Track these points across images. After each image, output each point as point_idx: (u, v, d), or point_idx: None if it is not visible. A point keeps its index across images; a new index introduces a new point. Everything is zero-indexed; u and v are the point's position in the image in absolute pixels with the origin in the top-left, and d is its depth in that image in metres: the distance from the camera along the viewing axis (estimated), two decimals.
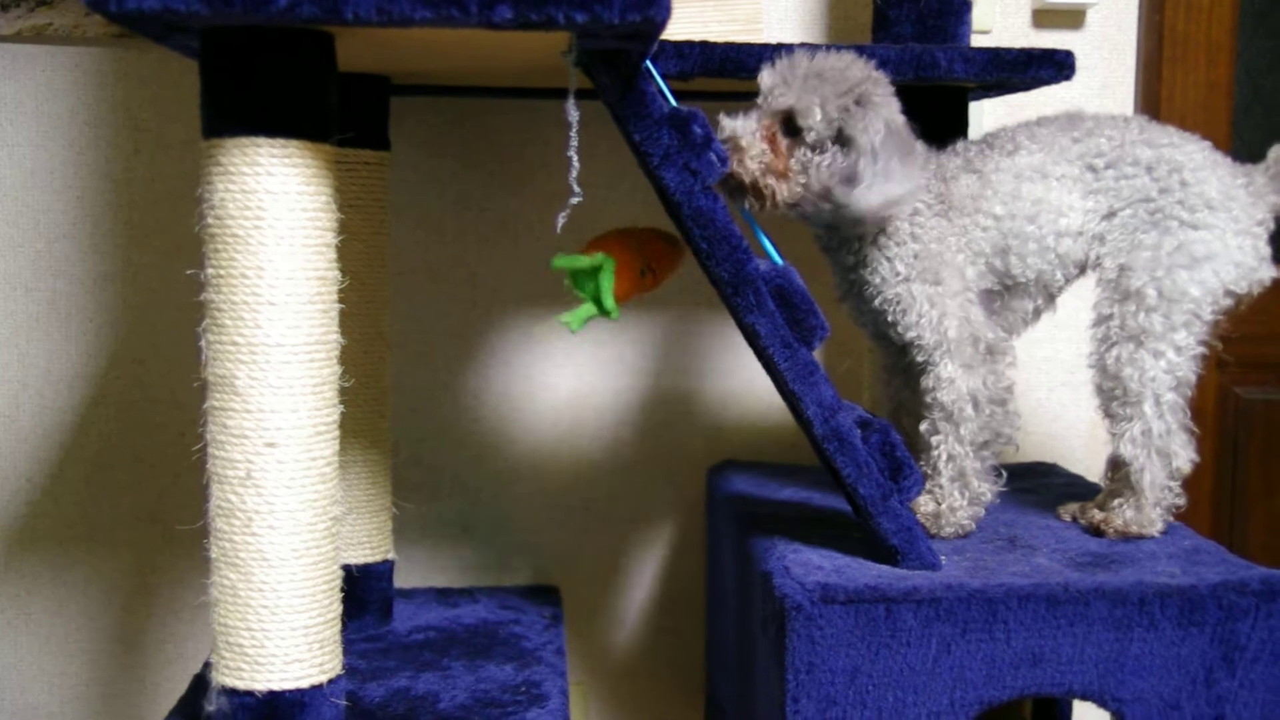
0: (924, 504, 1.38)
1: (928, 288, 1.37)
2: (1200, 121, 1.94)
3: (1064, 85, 1.86)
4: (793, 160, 1.31)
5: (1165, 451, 1.38)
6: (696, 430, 1.91)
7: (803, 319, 1.23)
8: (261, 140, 1.09)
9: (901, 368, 1.47)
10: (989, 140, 1.44)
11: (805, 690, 1.17)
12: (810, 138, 1.30)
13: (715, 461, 1.89)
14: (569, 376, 1.89)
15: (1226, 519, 2.06)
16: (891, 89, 1.35)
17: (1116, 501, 1.42)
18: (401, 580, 1.84)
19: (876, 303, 1.39)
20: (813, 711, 1.17)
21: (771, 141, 1.31)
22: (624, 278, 1.33)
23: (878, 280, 1.38)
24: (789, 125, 1.31)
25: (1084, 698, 1.22)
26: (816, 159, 1.30)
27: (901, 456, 1.25)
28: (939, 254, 1.37)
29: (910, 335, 1.38)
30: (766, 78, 1.32)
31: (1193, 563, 1.28)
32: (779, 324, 1.22)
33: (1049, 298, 1.45)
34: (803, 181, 1.30)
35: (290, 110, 1.10)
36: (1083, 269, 1.43)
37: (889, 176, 1.29)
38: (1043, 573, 1.24)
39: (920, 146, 1.39)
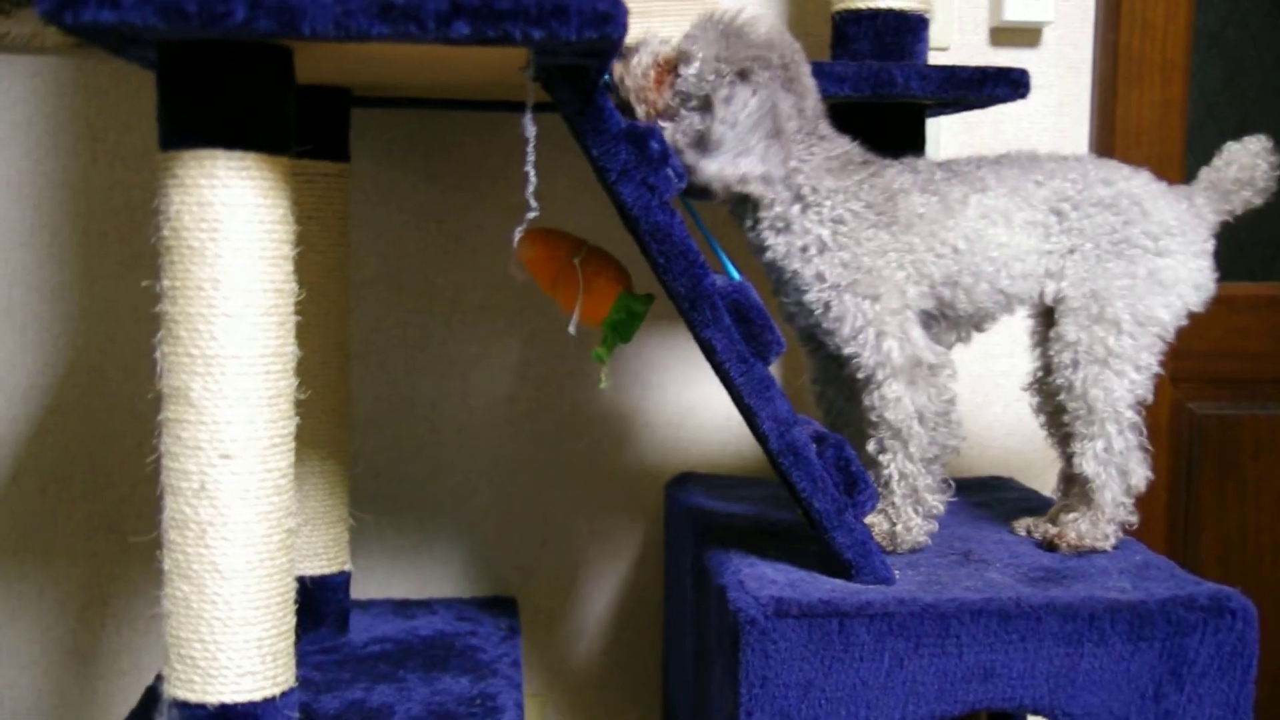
0: (879, 523, 1.39)
1: (864, 303, 1.35)
2: (1155, 139, 1.96)
3: (1021, 103, 1.88)
4: (662, 99, 1.33)
5: (1124, 469, 1.40)
6: (655, 443, 1.92)
7: (759, 334, 1.23)
8: (218, 153, 1.08)
9: (835, 378, 1.47)
10: (954, 169, 1.43)
11: (758, 704, 1.18)
12: (680, 87, 1.32)
13: (674, 474, 1.90)
14: (528, 388, 1.89)
15: (1181, 533, 2.08)
16: (801, 71, 1.36)
17: (1071, 516, 1.43)
18: (359, 592, 1.84)
19: (805, 300, 1.37)
20: None
21: (659, 72, 1.33)
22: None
23: (799, 282, 1.37)
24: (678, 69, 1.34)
25: (1035, 712, 1.23)
26: (682, 112, 1.33)
27: (856, 471, 1.26)
28: (878, 269, 1.36)
29: (848, 351, 1.37)
30: (695, 20, 1.36)
31: (1143, 578, 1.30)
32: (735, 339, 1.23)
33: (975, 330, 1.47)
34: (664, 126, 1.32)
35: (247, 123, 1.09)
36: (1017, 307, 1.45)
37: (745, 152, 1.30)
38: (995, 587, 1.25)
39: (856, 151, 1.40)
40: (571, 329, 1.38)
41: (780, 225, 1.36)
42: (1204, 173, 1.48)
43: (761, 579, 1.26)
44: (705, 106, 1.32)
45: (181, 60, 1.07)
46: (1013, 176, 1.42)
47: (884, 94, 1.47)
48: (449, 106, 1.73)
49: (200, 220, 1.09)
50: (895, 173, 1.41)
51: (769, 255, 1.38)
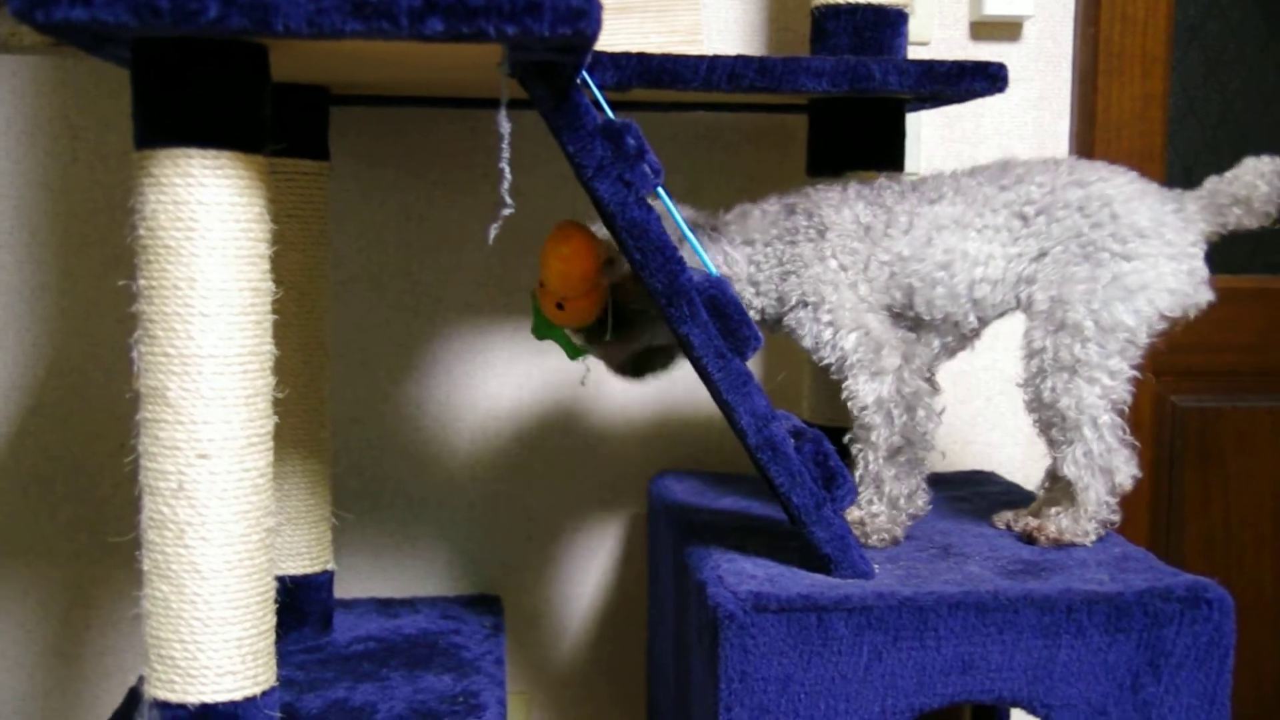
0: (850, 511, 1.39)
1: (811, 309, 1.42)
2: (1136, 133, 1.97)
3: (1002, 97, 1.89)
4: None
5: (1107, 469, 1.39)
6: (638, 439, 1.92)
7: (736, 329, 1.23)
8: (194, 151, 1.08)
9: None
10: (916, 185, 1.47)
11: (738, 699, 1.18)
12: None
13: (656, 471, 1.90)
14: (511, 386, 1.89)
15: (1164, 526, 2.09)
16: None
17: (1053, 510, 1.43)
18: (343, 591, 1.84)
19: (786, 325, 1.46)
20: None
21: None
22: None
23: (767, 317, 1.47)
24: None
25: (1014, 704, 1.23)
26: None
27: (834, 466, 1.26)
28: (816, 275, 1.42)
29: (816, 357, 1.43)
30: None
31: (1121, 570, 1.30)
32: (712, 334, 1.23)
33: (961, 337, 1.47)
34: None
35: (222, 121, 1.09)
36: (1004, 313, 1.45)
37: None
38: (974, 580, 1.26)
39: (778, 203, 1.48)
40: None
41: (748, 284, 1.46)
42: (1209, 181, 1.43)
43: (741, 574, 1.26)
44: None
45: (155, 58, 1.07)
46: (973, 185, 1.43)
47: (862, 88, 1.47)
48: (430, 104, 1.73)
49: (176, 219, 1.09)
50: (833, 195, 1.46)
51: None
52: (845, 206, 1.44)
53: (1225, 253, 2.08)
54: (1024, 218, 1.41)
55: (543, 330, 1.48)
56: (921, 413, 1.39)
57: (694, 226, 1.44)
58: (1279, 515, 2.11)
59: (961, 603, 1.21)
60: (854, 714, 1.20)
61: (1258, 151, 2.07)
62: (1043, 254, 1.40)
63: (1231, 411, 2.09)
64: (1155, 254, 1.37)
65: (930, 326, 1.45)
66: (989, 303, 1.43)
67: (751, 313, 1.46)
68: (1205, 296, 1.41)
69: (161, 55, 1.07)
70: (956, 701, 1.22)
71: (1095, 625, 1.22)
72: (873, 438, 1.38)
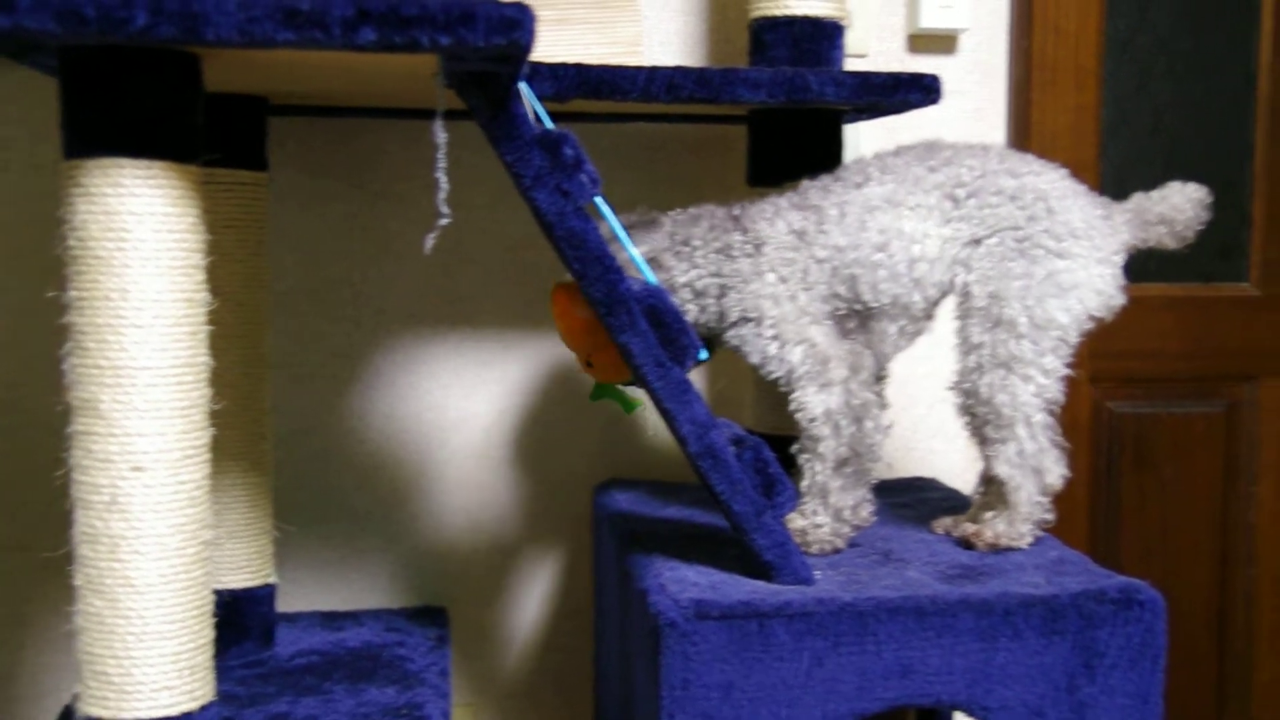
0: (793, 520, 1.40)
1: (753, 325, 1.43)
2: (1069, 144, 1.99)
3: (939, 108, 1.91)
4: None
5: (1039, 469, 1.41)
6: (583, 449, 1.92)
7: (675, 338, 1.24)
8: (124, 161, 1.07)
9: None
10: (838, 174, 1.47)
11: (680, 706, 1.18)
12: None
13: (601, 480, 1.90)
14: (456, 397, 1.89)
15: (1102, 531, 2.12)
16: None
17: (988, 514, 1.45)
18: (287, 605, 1.83)
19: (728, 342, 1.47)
20: None
21: None
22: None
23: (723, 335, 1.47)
24: None
25: (953, 707, 1.24)
26: None
27: (774, 473, 1.27)
28: (754, 292, 1.42)
29: (764, 372, 1.43)
30: None
31: (1057, 573, 1.31)
32: (651, 344, 1.23)
33: (913, 319, 1.47)
34: None
35: (154, 131, 1.08)
36: (946, 292, 1.45)
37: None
38: (913, 585, 1.27)
39: (721, 210, 1.48)
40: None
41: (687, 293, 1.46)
42: (1137, 196, 1.47)
43: (683, 581, 1.26)
44: None
45: (83, 67, 1.06)
46: (901, 165, 1.44)
47: (799, 100, 1.48)
48: (371, 114, 1.73)
49: (107, 230, 1.08)
50: (765, 204, 1.47)
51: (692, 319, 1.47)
52: (779, 218, 1.45)
53: (1161, 261, 2.12)
54: (955, 199, 1.41)
55: (596, 393, 1.49)
56: (869, 424, 1.39)
57: (628, 226, 1.45)
58: (1214, 519, 2.14)
59: (901, 608, 1.22)
60: (795, 719, 1.20)
61: (1188, 161, 2.11)
62: (976, 241, 1.41)
63: (1167, 417, 2.12)
64: (1086, 255, 1.39)
65: (881, 314, 1.44)
66: (929, 281, 1.43)
67: (698, 329, 1.47)
68: (1121, 300, 1.43)
69: (90, 64, 1.06)
70: (896, 705, 1.22)
71: (1031, 628, 1.23)
72: (820, 449, 1.39)
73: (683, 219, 1.48)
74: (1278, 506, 2.16)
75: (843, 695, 1.21)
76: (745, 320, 1.44)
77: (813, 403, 1.38)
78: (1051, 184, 1.42)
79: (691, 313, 1.46)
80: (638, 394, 1.46)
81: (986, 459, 1.43)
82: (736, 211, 1.47)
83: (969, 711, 1.24)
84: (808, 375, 1.39)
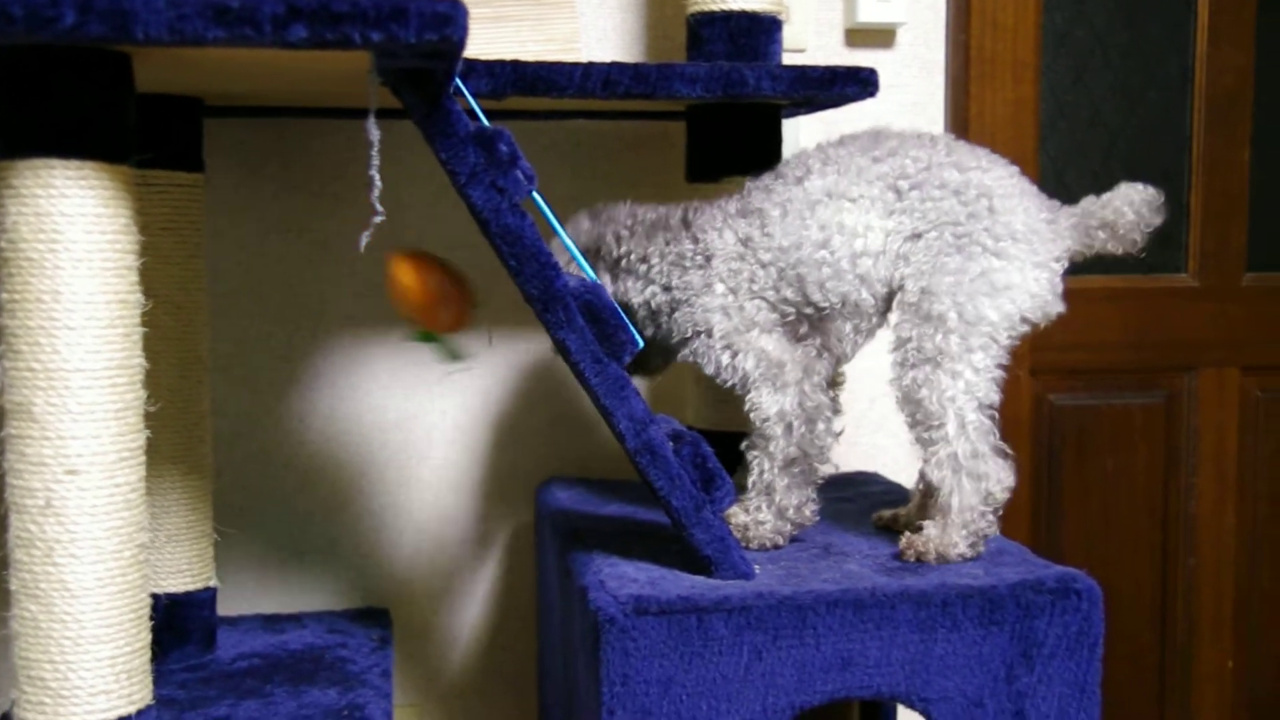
0: (736, 515, 1.41)
1: (705, 339, 1.43)
2: (1009, 137, 2.01)
3: (877, 102, 1.92)
4: None
5: (975, 474, 1.35)
6: (525, 448, 1.92)
7: (612, 334, 1.24)
8: (55, 162, 1.07)
9: None
10: (780, 170, 1.45)
11: (620, 702, 1.18)
12: None
13: (543, 479, 1.90)
14: (396, 398, 1.88)
15: (1044, 523, 2.14)
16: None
17: (926, 523, 1.40)
18: (229, 608, 1.81)
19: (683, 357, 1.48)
20: None
21: None
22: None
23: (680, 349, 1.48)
24: None
25: (892, 699, 1.25)
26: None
27: (713, 468, 1.27)
28: (703, 304, 1.43)
29: (719, 380, 1.44)
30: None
31: (995, 564, 1.32)
32: (588, 340, 1.23)
33: (866, 316, 1.44)
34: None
35: (84, 131, 1.08)
36: (893, 287, 1.42)
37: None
38: (852, 578, 1.27)
39: (675, 213, 1.46)
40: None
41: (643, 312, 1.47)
42: (1085, 201, 1.43)
43: (622, 578, 1.26)
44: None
45: (11, 66, 1.05)
46: (845, 156, 1.41)
47: (736, 94, 1.49)
48: (307, 115, 1.72)
49: (38, 231, 1.07)
50: (714, 210, 1.46)
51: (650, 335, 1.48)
52: (726, 228, 1.43)
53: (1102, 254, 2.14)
54: (898, 191, 1.39)
55: (417, 337, 1.45)
56: (821, 426, 1.39)
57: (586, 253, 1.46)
58: (1155, 510, 2.17)
59: (840, 600, 1.22)
60: (735, 713, 1.21)
61: (1126, 153, 2.14)
62: (917, 235, 1.38)
63: (1107, 409, 2.15)
64: (1024, 258, 1.36)
65: (834, 314, 1.43)
66: (875, 277, 1.40)
67: (653, 347, 1.49)
68: (1059, 308, 1.41)
69: (18, 63, 1.05)
70: (836, 698, 1.23)
71: (970, 619, 1.24)
72: (770, 448, 1.39)
73: (639, 228, 1.46)
74: (1217, 497, 2.18)
75: (782, 689, 1.21)
76: (697, 334, 1.44)
77: (766, 403, 1.39)
78: (998, 181, 1.38)
79: (648, 330, 1.47)
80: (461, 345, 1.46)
81: (923, 463, 1.39)
82: (690, 216, 1.46)
83: (909, 703, 1.25)
84: (762, 378, 1.39)
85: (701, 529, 1.27)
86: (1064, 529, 2.14)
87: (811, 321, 1.44)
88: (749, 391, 1.41)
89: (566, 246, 1.35)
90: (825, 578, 1.28)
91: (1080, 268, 2.12)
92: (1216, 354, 2.18)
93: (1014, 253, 1.36)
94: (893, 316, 1.42)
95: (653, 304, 1.46)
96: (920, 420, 1.37)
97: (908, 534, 1.40)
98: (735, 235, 1.43)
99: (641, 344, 1.28)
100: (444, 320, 1.38)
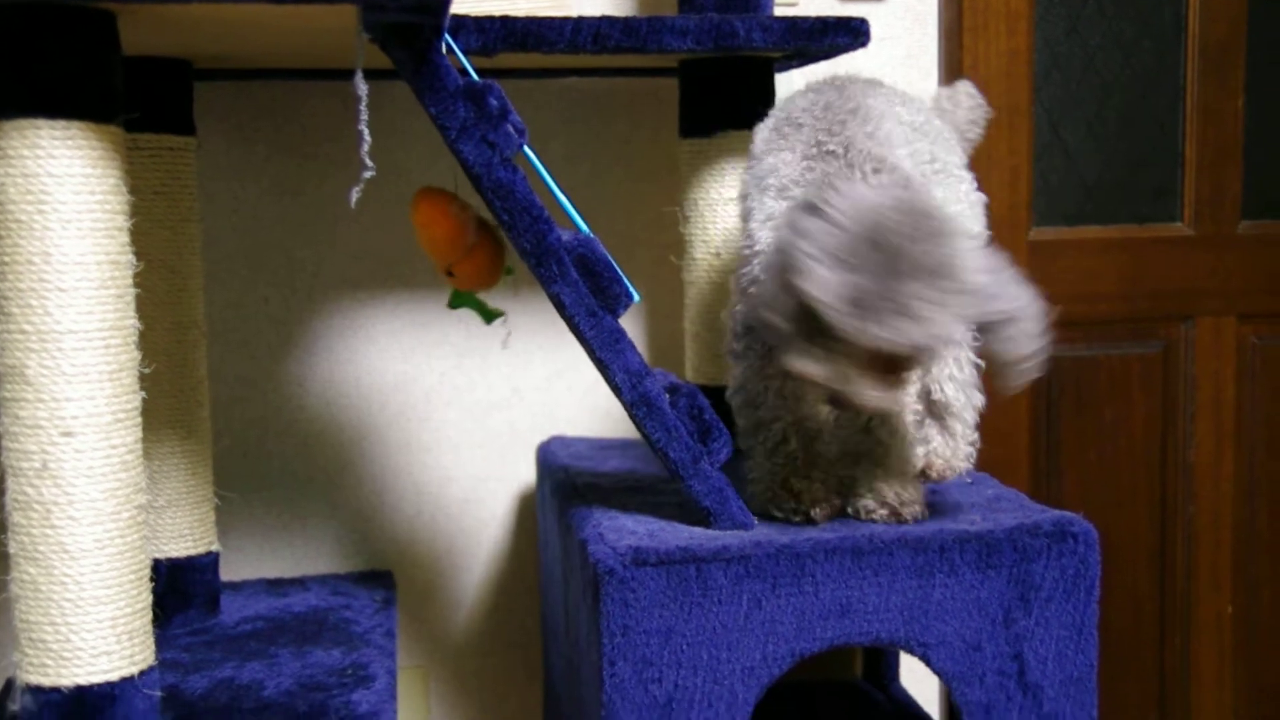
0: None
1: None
2: (1003, 89, 2.00)
3: (870, 55, 1.90)
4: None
5: (978, 386, 1.42)
6: (525, 408, 1.92)
7: (607, 287, 1.24)
8: (41, 122, 1.06)
9: None
10: (789, 119, 1.35)
11: (621, 653, 1.19)
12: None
13: (544, 439, 1.90)
14: (394, 360, 1.88)
15: (1044, 474, 2.14)
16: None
17: (925, 449, 1.43)
18: (232, 573, 1.82)
19: None
20: (629, 674, 1.19)
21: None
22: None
23: None
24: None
25: (891, 644, 1.25)
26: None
27: (710, 420, 1.27)
28: (751, 231, 1.35)
29: None
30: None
31: (993, 510, 1.33)
32: (583, 293, 1.23)
33: None
34: None
35: (71, 91, 1.07)
36: None
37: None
38: (850, 525, 1.28)
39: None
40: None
41: None
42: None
43: (621, 530, 1.27)
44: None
45: None
46: (882, 95, 1.39)
47: (727, 46, 1.48)
48: (299, 77, 1.71)
49: (26, 193, 1.07)
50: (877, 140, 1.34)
51: None
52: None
53: (1097, 204, 2.14)
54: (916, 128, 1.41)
55: (454, 301, 1.48)
56: None
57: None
58: (1153, 458, 2.17)
59: (838, 548, 1.23)
60: (735, 662, 1.21)
61: (1120, 103, 2.13)
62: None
63: (1105, 360, 2.15)
64: (969, 180, 1.45)
65: None
66: None
67: None
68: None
69: (3, 23, 1.04)
70: (836, 645, 1.24)
71: (967, 563, 1.24)
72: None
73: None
74: (1215, 445, 2.19)
75: (782, 636, 1.22)
76: None
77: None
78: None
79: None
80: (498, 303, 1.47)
81: (926, 385, 1.41)
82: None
83: (907, 648, 1.26)
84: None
85: (699, 480, 1.27)
86: (1063, 480, 2.15)
87: None
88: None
89: (559, 200, 1.35)
90: (823, 526, 1.28)
91: (1076, 219, 2.13)
92: (1213, 302, 2.17)
93: (963, 175, 1.44)
94: None
95: None
96: None
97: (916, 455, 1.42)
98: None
99: (636, 298, 1.28)
100: (471, 271, 1.39)
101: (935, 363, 1.39)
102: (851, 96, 1.34)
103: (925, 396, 1.45)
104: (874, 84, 1.43)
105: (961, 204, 1.41)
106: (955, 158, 1.44)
